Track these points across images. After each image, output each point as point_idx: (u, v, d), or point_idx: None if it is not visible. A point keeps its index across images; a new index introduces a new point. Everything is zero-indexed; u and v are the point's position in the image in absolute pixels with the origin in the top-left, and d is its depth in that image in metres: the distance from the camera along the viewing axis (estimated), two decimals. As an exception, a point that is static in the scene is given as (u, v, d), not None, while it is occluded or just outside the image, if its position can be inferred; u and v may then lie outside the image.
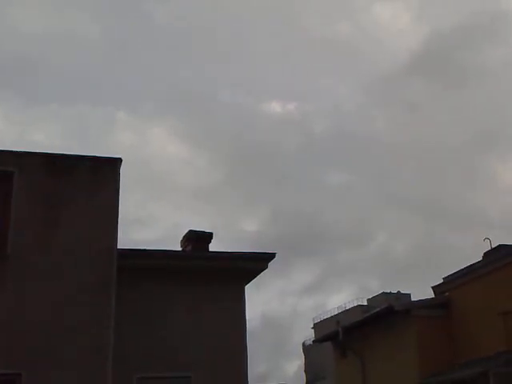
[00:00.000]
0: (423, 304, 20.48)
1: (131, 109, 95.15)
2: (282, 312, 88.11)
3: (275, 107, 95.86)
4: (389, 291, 50.15)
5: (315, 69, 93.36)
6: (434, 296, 20.89)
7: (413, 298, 36.15)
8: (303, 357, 53.34)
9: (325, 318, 51.60)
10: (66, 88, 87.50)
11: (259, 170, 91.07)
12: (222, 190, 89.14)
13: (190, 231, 13.36)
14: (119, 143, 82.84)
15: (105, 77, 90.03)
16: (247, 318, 12.09)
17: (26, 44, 77.97)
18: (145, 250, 12.06)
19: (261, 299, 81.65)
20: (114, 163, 11.33)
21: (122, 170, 11.30)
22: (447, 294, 20.42)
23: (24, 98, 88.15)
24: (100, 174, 11.29)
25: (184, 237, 13.50)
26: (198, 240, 13.13)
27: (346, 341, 22.45)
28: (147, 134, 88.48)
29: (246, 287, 12.51)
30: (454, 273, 20.06)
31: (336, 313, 50.35)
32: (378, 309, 23.48)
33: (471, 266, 19.37)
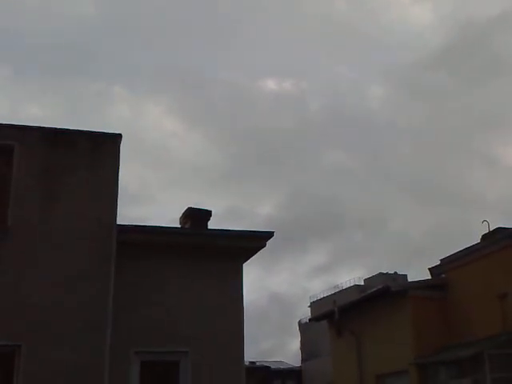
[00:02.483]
0: (419, 285, 20.61)
1: (127, 84, 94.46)
2: (293, 291, 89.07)
3: (271, 84, 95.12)
4: (386, 272, 50.28)
5: (312, 46, 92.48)
6: (430, 277, 21.02)
7: (410, 279, 36.26)
8: (299, 335, 53.75)
9: (321, 297, 51.82)
10: (60, 62, 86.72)
11: (258, 148, 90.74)
12: (221, 169, 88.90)
13: (189, 208, 13.38)
14: (115, 118, 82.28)
15: (100, 51, 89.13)
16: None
17: (21, 16, 77.17)
18: (144, 225, 12.11)
19: (272, 278, 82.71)
20: (114, 139, 11.31)
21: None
22: (444, 275, 20.54)
23: (17, 71, 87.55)
24: (100, 150, 11.27)
25: (183, 214, 13.53)
26: (196, 217, 13.17)
27: (342, 320, 22.64)
28: (143, 110, 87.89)
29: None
30: (451, 255, 20.16)
31: (333, 292, 50.54)
32: (374, 289, 23.63)
33: (468, 248, 19.47)
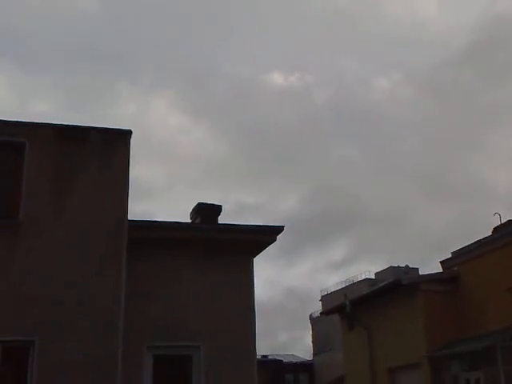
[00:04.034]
0: (431, 278, 20.53)
1: (132, 80, 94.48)
2: (312, 286, 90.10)
3: (277, 78, 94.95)
4: (397, 265, 50.20)
5: (317, 40, 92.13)
6: (442, 270, 20.95)
7: (422, 273, 36.15)
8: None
9: (332, 290, 51.84)
10: (64, 57, 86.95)
11: (267, 143, 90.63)
12: (229, 163, 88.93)
13: (199, 203, 13.40)
14: (121, 114, 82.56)
15: (103, 47, 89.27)
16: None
17: (26, 15, 77.39)
18: (155, 221, 12.17)
19: (291, 273, 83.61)
20: (124, 135, 11.36)
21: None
22: (456, 268, 20.45)
23: (23, 68, 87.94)
24: (111, 146, 11.32)
25: (193, 209, 13.56)
26: (207, 212, 13.19)
27: (354, 313, 22.61)
28: (149, 105, 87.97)
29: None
30: (463, 247, 20.07)
31: (343, 286, 50.55)
32: (385, 282, 23.58)
33: (480, 240, 19.36)
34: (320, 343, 49.19)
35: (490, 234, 19.85)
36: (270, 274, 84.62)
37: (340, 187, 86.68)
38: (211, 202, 13.45)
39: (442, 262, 20.93)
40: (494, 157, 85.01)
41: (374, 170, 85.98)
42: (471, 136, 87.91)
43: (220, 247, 12.06)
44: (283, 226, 12.37)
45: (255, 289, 12.16)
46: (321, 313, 34.36)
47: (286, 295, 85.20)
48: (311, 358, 49.89)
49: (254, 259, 12.50)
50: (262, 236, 12.42)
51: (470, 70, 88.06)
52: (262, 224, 12.73)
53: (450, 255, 20.75)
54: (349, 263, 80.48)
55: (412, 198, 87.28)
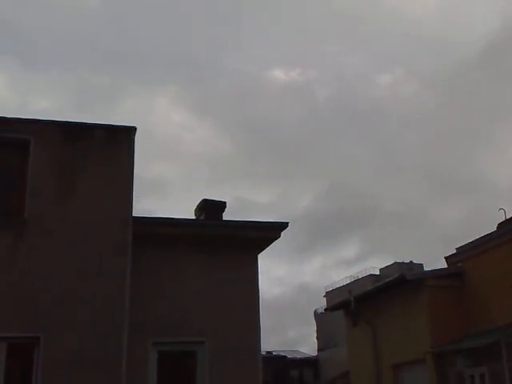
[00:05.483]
0: (435, 274, 20.49)
1: (134, 78, 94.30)
2: (324, 282, 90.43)
3: (279, 74, 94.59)
4: (401, 261, 50.12)
5: (318, 35, 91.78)
6: (446, 266, 20.91)
7: (426, 269, 36.10)
8: (315, 324, 53.87)
9: (337, 286, 51.83)
10: (66, 55, 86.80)
11: (268, 140, 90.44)
12: (234, 161, 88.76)
13: (204, 200, 13.42)
14: (124, 112, 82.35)
15: (105, 44, 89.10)
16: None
17: (27, 13, 77.26)
18: (160, 217, 12.19)
19: (304, 270, 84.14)
20: (128, 132, 11.38)
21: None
22: (460, 264, 20.42)
23: (26, 66, 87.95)
24: (115, 142, 11.35)
25: (197, 206, 13.58)
26: (211, 209, 13.21)
27: (358, 309, 22.61)
28: (152, 103, 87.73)
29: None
30: (468, 243, 20.01)
31: (348, 282, 50.53)
32: (390, 278, 23.54)
33: (485, 236, 19.30)
34: (324, 339, 49.23)
35: (495, 229, 19.79)
36: (283, 271, 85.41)
37: (347, 185, 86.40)
38: (216, 199, 13.48)
39: (446, 258, 20.89)
40: (498, 153, 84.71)
41: (378, 167, 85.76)
42: (476, 133, 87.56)
43: (224, 244, 12.07)
44: (287, 223, 12.38)
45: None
46: (325, 309, 34.35)
47: (299, 291, 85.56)
48: (316, 354, 49.95)
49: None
50: (267, 232, 12.44)
51: (477, 68, 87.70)
52: (266, 220, 12.74)
53: (454, 251, 20.71)
54: (361, 260, 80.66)
55: (419, 196, 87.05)
